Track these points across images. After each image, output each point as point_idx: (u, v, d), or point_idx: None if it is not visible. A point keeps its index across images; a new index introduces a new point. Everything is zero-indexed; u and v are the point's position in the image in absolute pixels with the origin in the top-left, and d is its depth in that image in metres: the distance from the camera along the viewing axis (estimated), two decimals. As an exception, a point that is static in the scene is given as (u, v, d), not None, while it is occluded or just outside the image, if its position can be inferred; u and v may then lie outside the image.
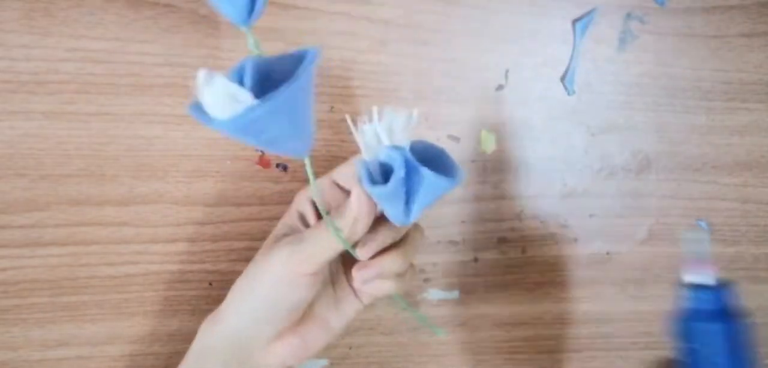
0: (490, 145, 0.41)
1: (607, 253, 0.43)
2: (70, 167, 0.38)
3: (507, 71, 0.41)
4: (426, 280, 0.42)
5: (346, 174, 0.33)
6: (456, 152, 0.41)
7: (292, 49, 0.24)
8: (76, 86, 0.37)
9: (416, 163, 0.26)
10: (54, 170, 0.37)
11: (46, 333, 0.39)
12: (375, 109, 0.26)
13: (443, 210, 0.41)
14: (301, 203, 0.34)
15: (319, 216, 0.33)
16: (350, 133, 0.36)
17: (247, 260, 0.39)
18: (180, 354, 0.35)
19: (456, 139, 0.41)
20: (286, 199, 0.40)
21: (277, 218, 0.39)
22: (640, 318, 0.45)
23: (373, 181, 0.27)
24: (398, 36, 0.39)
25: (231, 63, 0.38)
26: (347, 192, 0.32)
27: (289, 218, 0.34)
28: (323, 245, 0.30)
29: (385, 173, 0.27)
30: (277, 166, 0.39)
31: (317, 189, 0.30)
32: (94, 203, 0.38)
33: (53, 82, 0.37)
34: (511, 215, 0.42)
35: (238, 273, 0.40)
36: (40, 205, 0.38)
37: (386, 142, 0.26)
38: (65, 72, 0.37)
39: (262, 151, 0.39)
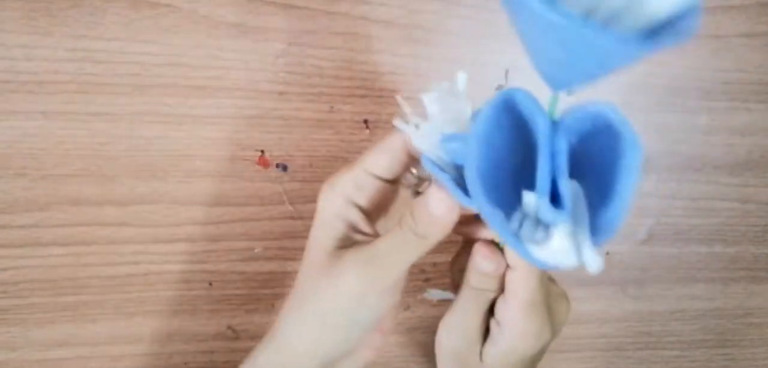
0: (490, 145, 0.41)
1: (607, 253, 0.43)
2: (70, 167, 0.38)
3: (507, 71, 0.41)
4: (426, 280, 0.42)
5: (383, 164, 0.28)
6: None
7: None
8: (76, 86, 0.37)
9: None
10: (54, 170, 0.37)
11: (46, 333, 0.39)
12: (401, 100, 0.23)
13: (443, 210, 0.41)
14: (340, 207, 0.28)
15: (371, 221, 0.29)
16: (359, 134, 0.36)
17: (247, 260, 0.40)
18: (180, 354, 0.35)
19: (456, 139, 0.41)
20: (285, 200, 0.40)
21: (277, 218, 0.40)
22: (640, 318, 0.45)
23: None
24: (398, 36, 0.39)
25: (231, 63, 0.38)
26: (390, 183, 0.28)
27: (331, 227, 0.28)
28: (403, 256, 0.26)
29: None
30: (277, 165, 0.39)
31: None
32: (94, 203, 0.38)
33: (53, 82, 0.37)
34: (511, 215, 0.42)
35: (238, 273, 0.40)
36: (40, 205, 0.38)
37: (448, 129, 0.22)
38: (65, 72, 0.37)
39: (262, 151, 0.39)
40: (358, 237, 0.28)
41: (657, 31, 0.17)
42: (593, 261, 0.18)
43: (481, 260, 0.27)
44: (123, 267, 0.39)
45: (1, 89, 0.36)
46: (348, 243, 0.28)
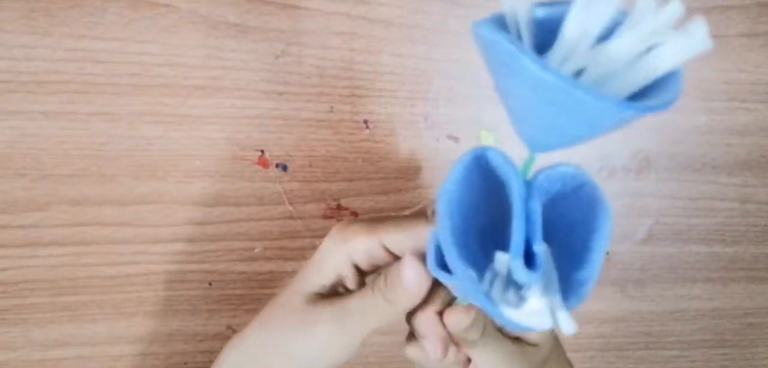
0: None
1: (607, 253, 0.43)
2: (70, 167, 0.38)
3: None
4: (426, 280, 0.42)
5: (397, 239, 0.27)
6: (456, 152, 0.41)
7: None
8: (76, 86, 0.37)
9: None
10: (54, 170, 0.37)
11: (46, 333, 0.39)
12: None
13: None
14: (341, 263, 0.28)
15: (361, 283, 0.29)
16: (357, 138, 0.36)
17: (247, 260, 0.40)
18: (180, 354, 0.35)
19: (456, 138, 0.41)
20: (285, 200, 0.40)
21: (276, 218, 0.40)
22: (640, 318, 0.45)
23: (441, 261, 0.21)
24: (398, 36, 0.39)
25: (231, 63, 0.38)
26: (396, 256, 0.28)
27: (322, 276, 0.28)
28: (371, 319, 0.27)
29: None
30: (277, 165, 0.39)
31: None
32: (94, 203, 0.38)
33: (53, 82, 0.37)
34: (510, 215, 0.42)
35: (238, 272, 0.40)
36: (40, 205, 0.38)
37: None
38: (65, 72, 0.37)
39: (261, 151, 0.39)
40: (340, 289, 0.29)
41: (639, 95, 0.18)
42: (567, 323, 0.18)
43: (457, 318, 0.26)
44: (123, 267, 0.39)
45: (1, 89, 0.36)
46: (329, 293, 0.29)
